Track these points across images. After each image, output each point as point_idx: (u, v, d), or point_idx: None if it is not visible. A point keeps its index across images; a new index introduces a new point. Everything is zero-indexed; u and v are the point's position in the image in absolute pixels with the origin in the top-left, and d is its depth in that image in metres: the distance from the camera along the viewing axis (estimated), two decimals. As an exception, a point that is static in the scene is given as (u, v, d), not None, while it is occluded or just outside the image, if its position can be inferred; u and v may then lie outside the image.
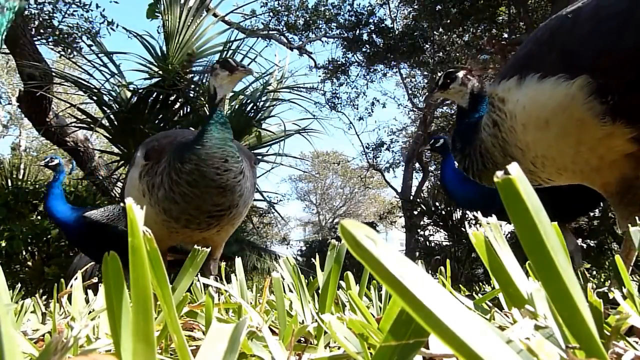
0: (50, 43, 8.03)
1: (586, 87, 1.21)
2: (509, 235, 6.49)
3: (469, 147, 1.77)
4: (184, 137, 2.16)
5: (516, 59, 1.56)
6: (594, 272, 5.96)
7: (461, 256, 7.80)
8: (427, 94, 15.37)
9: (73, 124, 5.78)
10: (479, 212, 0.70)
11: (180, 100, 5.07)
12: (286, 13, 14.35)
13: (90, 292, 1.33)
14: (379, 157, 18.17)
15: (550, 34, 1.37)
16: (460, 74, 1.95)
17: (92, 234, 3.74)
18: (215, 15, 6.66)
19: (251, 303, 1.17)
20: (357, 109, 16.35)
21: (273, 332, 0.84)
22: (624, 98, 1.18)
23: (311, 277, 1.15)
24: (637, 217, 1.26)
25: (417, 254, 9.84)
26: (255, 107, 5.18)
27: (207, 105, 4.85)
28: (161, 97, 4.93)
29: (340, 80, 15.47)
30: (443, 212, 8.41)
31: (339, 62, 14.95)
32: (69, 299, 1.09)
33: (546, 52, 1.35)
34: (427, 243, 9.68)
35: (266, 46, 12.19)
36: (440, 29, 11.91)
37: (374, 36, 13.57)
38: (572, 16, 1.31)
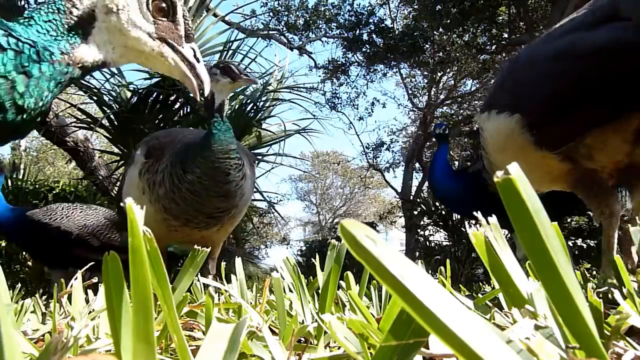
0: (50, 43, 8.00)
1: (520, 122, 1.52)
2: (508, 235, 6.49)
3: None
4: (185, 137, 2.15)
5: (490, 93, 1.93)
6: (594, 272, 5.96)
7: (461, 256, 7.81)
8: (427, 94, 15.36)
9: (73, 124, 5.76)
10: (479, 212, 0.70)
11: (180, 100, 5.06)
12: (286, 13, 14.34)
13: (90, 292, 1.33)
14: (379, 157, 18.18)
15: (502, 77, 1.76)
16: None
17: (34, 233, 3.61)
18: (215, 15, 6.64)
19: (251, 303, 1.17)
20: (357, 109, 16.34)
21: (273, 332, 0.84)
22: (543, 132, 1.49)
23: (311, 277, 1.15)
24: (637, 217, 1.37)
25: (417, 254, 9.84)
26: (255, 107, 5.17)
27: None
28: (161, 97, 4.91)
29: (340, 80, 15.45)
30: (443, 212, 8.40)
31: (339, 62, 14.93)
32: (69, 299, 1.09)
33: (500, 92, 1.73)
34: (427, 243, 9.68)
35: (266, 46, 12.14)
36: (440, 29, 11.91)
37: (374, 36, 13.55)
38: (512, 63, 1.64)
